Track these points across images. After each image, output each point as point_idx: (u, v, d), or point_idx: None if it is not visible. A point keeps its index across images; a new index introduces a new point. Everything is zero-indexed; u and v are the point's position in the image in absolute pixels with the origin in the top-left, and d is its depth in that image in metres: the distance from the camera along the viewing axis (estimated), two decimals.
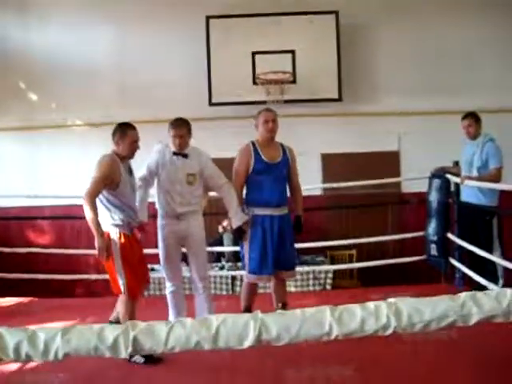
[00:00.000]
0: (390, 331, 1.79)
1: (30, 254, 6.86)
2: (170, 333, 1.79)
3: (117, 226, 4.10)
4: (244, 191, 4.69)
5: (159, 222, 4.59)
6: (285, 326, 1.79)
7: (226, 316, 1.82)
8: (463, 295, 1.82)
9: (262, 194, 4.55)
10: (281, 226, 4.57)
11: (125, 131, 4.14)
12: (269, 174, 4.56)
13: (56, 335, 1.80)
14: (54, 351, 1.80)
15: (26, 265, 6.91)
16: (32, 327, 1.87)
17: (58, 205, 7.32)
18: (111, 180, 4.01)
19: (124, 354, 1.80)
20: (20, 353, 1.80)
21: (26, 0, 7.98)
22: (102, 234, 3.93)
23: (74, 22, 7.83)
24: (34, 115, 7.92)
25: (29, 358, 1.81)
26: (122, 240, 4.08)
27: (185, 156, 4.50)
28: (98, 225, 3.91)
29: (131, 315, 4.10)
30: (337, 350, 3.74)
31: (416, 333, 1.86)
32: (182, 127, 4.47)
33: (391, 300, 1.83)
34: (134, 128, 4.19)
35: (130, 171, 4.26)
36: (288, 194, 4.74)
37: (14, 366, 4.31)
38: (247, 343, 1.78)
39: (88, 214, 3.87)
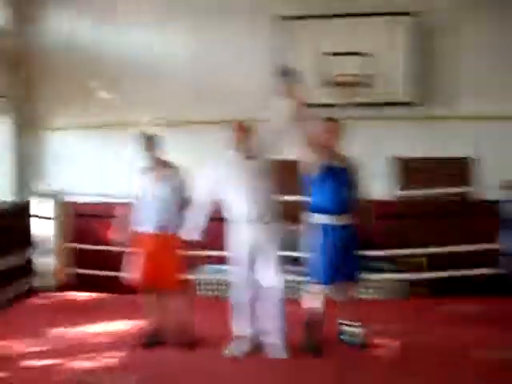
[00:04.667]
0: None
1: (101, 251, 7.02)
2: None
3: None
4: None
5: (230, 227, 4.60)
6: None
7: None
8: None
9: (323, 200, 4.54)
10: (343, 235, 4.54)
11: None
12: (330, 180, 4.55)
13: None
14: None
15: (96, 261, 7.06)
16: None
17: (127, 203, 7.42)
18: None
19: None
20: None
21: None
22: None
23: (147, 21, 7.85)
24: (105, 113, 7.93)
25: None
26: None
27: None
28: None
29: None
30: None
31: None
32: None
33: None
34: None
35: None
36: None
37: (87, 364, 4.45)
38: None
39: None
